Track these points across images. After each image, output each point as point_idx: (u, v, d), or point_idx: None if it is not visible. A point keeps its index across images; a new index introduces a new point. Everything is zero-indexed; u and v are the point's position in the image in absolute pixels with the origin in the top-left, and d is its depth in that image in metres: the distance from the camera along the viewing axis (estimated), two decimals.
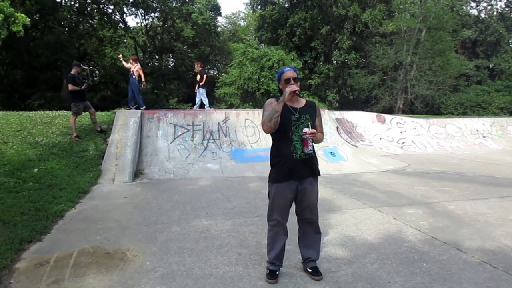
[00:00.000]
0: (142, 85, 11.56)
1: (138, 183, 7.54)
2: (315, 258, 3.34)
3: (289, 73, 3.17)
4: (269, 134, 3.24)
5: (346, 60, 29.14)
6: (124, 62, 12.21)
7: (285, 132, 3.12)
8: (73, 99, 8.94)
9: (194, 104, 13.18)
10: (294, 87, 3.06)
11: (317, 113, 3.31)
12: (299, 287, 3.12)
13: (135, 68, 11.41)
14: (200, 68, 12.74)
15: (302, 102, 3.27)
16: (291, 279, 3.24)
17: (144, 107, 11.32)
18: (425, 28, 24.97)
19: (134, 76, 11.42)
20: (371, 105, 26.32)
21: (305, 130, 3.05)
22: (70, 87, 8.80)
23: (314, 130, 3.07)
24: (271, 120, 3.02)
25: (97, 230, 4.50)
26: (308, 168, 3.19)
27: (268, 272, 3.25)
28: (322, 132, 3.33)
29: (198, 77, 12.65)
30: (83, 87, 8.98)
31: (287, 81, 3.13)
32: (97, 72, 35.48)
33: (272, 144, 3.30)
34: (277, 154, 3.21)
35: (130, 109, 10.90)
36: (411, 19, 25.19)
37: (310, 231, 3.34)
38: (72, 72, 9.01)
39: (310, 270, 3.28)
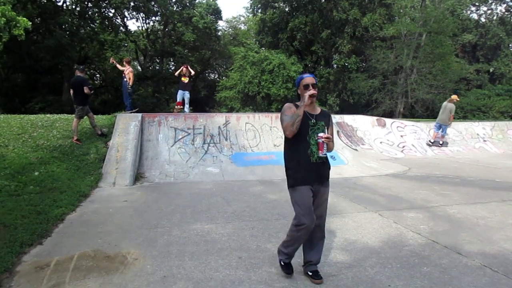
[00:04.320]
0: (128, 88, 11.52)
1: (139, 187, 7.54)
2: (316, 261, 3.35)
3: (308, 79, 3.27)
4: (280, 139, 3.34)
5: (346, 64, 29.21)
6: (118, 65, 12.19)
7: (303, 136, 3.22)
8: (83, 103, 8.97)
9: (195, 107, 13.22)
10: (313, 91, 3.19)
11: (330, 122, 3.41)
12: None
13: (127, 70, 11.43)
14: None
15: (317, 109, 3.38)
16: (292, 282, 3.25)
17: (130, 111, 11.26)
18: (426, 32, 25.01)
19: (125, 79, 11.45)
20: (372, 109, 26.33)
21: (321, 134, 3.18)
22: (87, 90, 8.85)
23: (329, 135, 3.21)
24: (294, 124, 3.14)
25: (97, 234, 4.51)
26: (323, 171, 3.30)
27: (283, 264, 3.38)
28: (333, 142, 3.38)
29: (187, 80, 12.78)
30: (92, 91, 9.12)
31: (306, 86, 3.22)
32: (98, 75, 35.60)
33: (287, 149, 3.37)
34: (294, 158, 3.28)
35: (132, 112, 10.91)
36: (411, 23, 25.24)
37: (316, 234, 3.36)
38: (83, 75, 9.12)
39: (310, 274, 3.29)
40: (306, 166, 3.21)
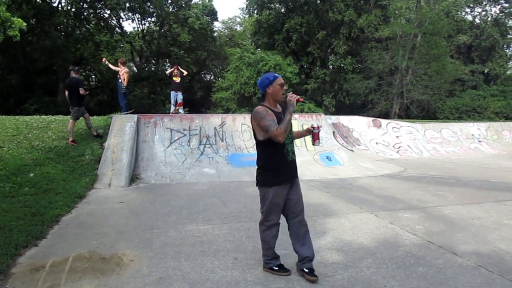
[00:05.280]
0: (123, 88, 11.49)
1: (135, 188, 7.52)
2: (312, 256, 3.38)
3: (281, 78, 3.32)
4: (253, 140, 3.38)
5: (342, 65, 29.25)
6: (110, 65, 12.19)
7: None
8: (79, 104, 8.93)
9: (191, 108, 13.23)
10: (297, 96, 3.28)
11: None
12: None
13: (122, 71, 11.39)
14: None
15: (279, 107, 3.40)
16: (288, 283, 3.25)
17: (126, 112, 11.25)
18: (421, 33, 25.11)
19: (120, 80, 11.41)
20: (367, 110, 26.39)
21: (315, 125, 3.40)
22: (82, 91, 8.81)
23: (320, 125, 3.29)
24: (287, 131, 3.14)
25: (93, 235, 4.49)
26: (296, 168, 3.43)
27: (277, 268, 3.43)
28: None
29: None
30: (87, 92, 9.09)
31: (282, 85, 3.26)
32: (93, 76, 35.46)
33: (264, 151, 3.33)
34: (273, 159, 3.28)
35: (127, 113, 10.88)
36: (406, 25, 25.34)
37: (302, 229, 3.42)
38: (78, 76, 9.07)
39: (307, 270, 3.31)
40: (284, 166, 3.29)
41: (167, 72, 13.62)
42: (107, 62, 12.16)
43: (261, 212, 3.43)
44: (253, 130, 3.33)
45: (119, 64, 11.73)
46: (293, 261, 3.65)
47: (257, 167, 3.39)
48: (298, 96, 3.25)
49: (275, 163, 3.27)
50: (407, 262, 3.69)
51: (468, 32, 33.68)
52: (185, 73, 13.19)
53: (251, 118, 3.31)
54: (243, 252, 3.96)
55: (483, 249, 4.03)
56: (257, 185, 3.38)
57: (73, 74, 9.06)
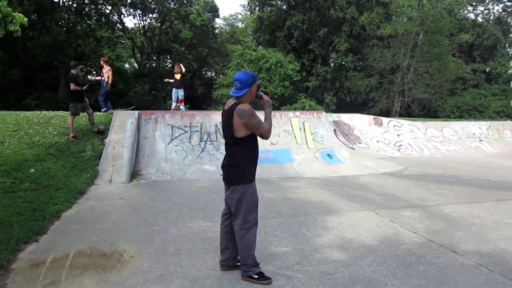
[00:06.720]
0: (107, 87, 11.41)
1: (135, 184, 7.52)
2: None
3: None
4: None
5: (343, 63, 29.24)
6: (96, 78, 12.32)
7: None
8: (74, 100, 8.84)
9: (191, 105, 13.28)
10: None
11: None
12: None
13: (105, 69, 11.32)
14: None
15: None
16: (288, 281, 3.25)
17: (105, 109, 11.35)
18: (423, 32, 25.07)
19: (103, 78, 11.33)
20: (368, 108, 26.37)
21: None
22: (72, 86, 8.69)
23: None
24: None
25: (93, 231, 4.49)
26: None
27: (257, 276, 3.24)
28: None
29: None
30: (84, 88, 8.96)
31: (257, 87, 3.32)
32: (94, 72, 35.48)
33: (242, 147, 3.25)
34: (252, 154, 3.31)
35: (127, 109, 10.87)
36: (408, 23, 25.29)
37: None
38: (73, 72, 8.96)
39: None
40: (257, 160, 3.36)
41: (165, 80, 14.05)
42: (90, 77, 12.30)
43: (234, 214, 3.29)
44: (230, 127, 3.18)
45: (102, 62, 11.66)
46: (294, 260, 3.65)
47: (228, 165, 3.27)
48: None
49: (253, 158, 3.30)
50: (407, 261, 3.69)
51: (470, 31, 33.65)
52: (184, 70, 13.19)
53: (231, 115, 3.14)
54: None
55: (483, 248, 4.03)
56: (233, 184, 3.24)
57: (71, 70, 9.01)
